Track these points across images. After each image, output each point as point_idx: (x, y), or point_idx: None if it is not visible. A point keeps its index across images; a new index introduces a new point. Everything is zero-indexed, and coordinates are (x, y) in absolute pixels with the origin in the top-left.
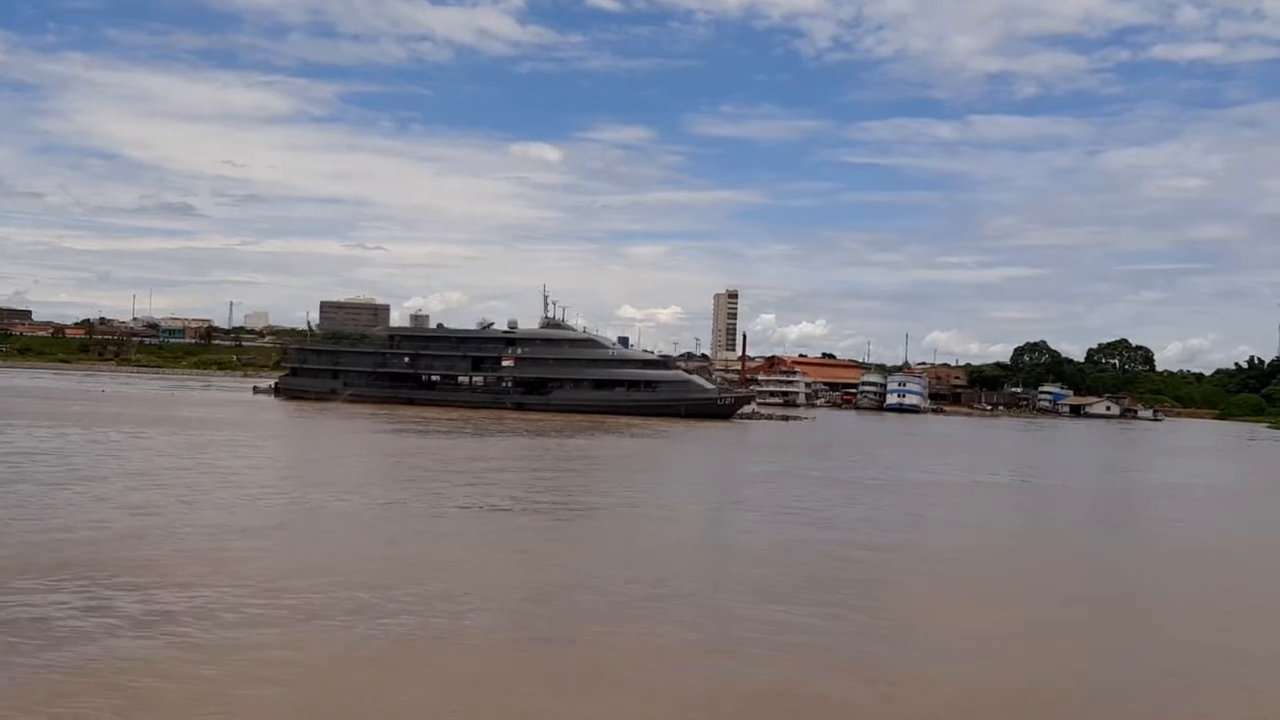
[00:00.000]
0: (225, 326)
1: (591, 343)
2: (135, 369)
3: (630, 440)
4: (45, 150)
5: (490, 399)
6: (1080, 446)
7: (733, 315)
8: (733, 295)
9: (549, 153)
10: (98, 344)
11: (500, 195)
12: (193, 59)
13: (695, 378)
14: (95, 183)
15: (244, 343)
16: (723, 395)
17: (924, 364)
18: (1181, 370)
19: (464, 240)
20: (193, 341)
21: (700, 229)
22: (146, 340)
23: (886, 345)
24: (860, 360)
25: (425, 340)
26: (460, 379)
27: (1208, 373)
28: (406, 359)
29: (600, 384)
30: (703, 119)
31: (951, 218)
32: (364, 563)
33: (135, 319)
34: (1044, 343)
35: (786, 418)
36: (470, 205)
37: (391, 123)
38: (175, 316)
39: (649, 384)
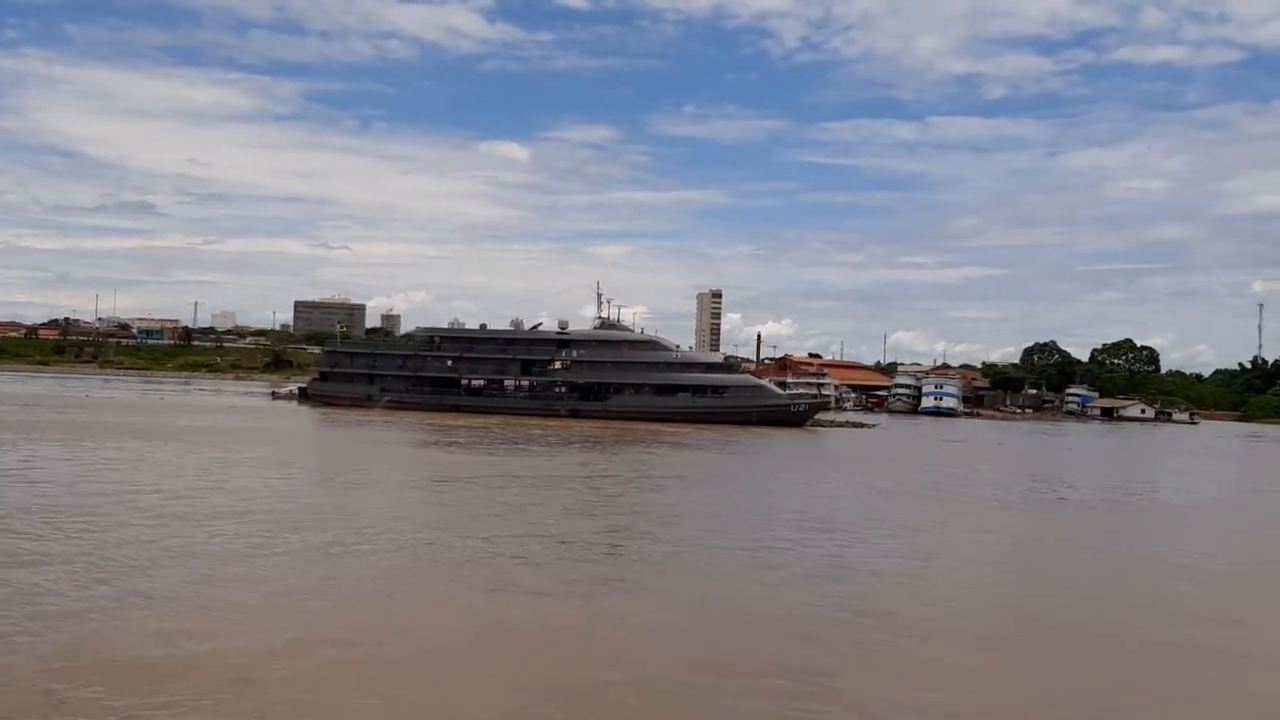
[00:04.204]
0: (191, 327)
1: (653, 344)
2: (118, 371)
3: (720, 455)
4: (2, 148)
5: (542, 405)
6: (1187, 456)
7: (716, 315)
8: (716, 295)
9: (517, 152)
10: (74, 345)
11: (465, 194)
12: (155, 55)
13: (765, 382)
14: (54, 181)
15: (224, 343)
16: (796, 402)
17: (945, 366)
18: (1174, 371)
19: (428, 239)
20: (171, 343)
21: (665, 229)
22: (123, 341)
23: (851, 345)
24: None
25: (469, 342)
26: (508, 384)
27: (1191, 371)
28: (449, 362)
29: (663, 389)
30: (667, 119)
31: (913, 218)
32: None
33: (101, 319)
34: (1054, 343)
35: (853, 424)
36: (435, 204)
37: (355, 121)
38: (141, 317)
39: (716, 389)
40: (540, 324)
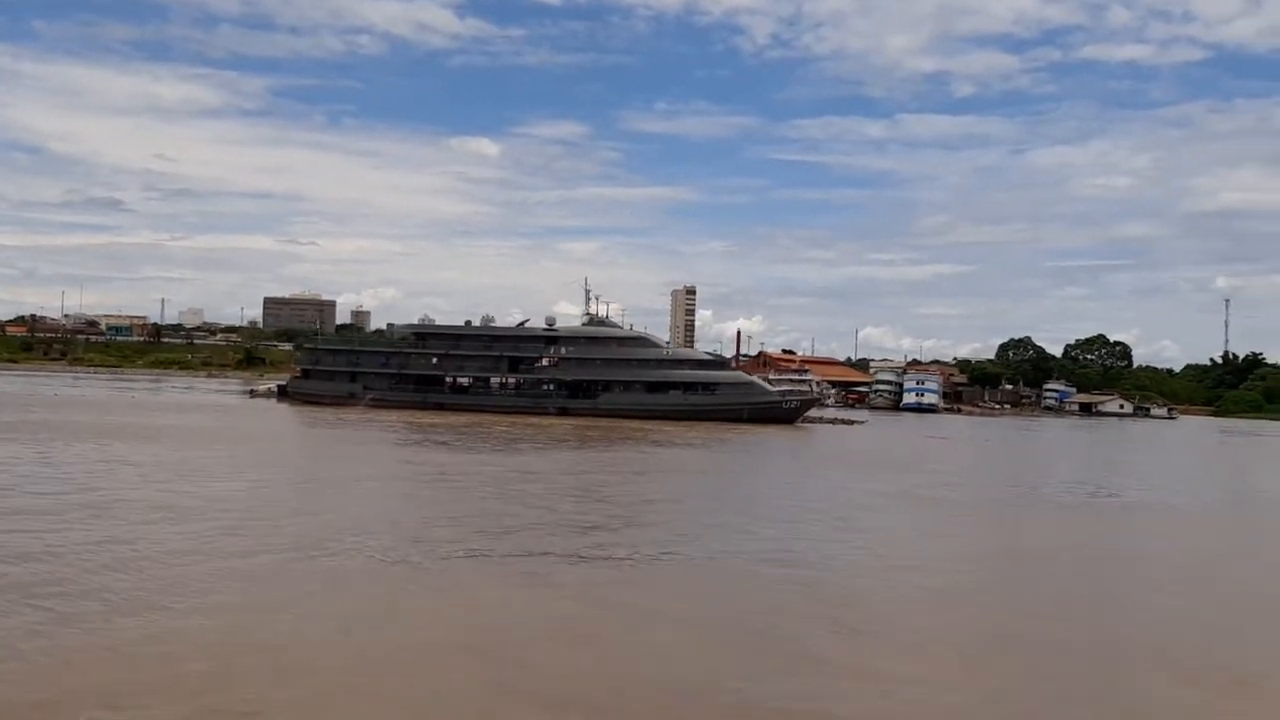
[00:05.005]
0: (160, 323)
1: (643, 341)
2: (89, 369)
3: (711, 453)
4: None
5: (530, 403)
6: (1187, 451)
7: (690, 312)
8: (690, 292)
9: (487, 147)
10: (42, 342)
11: (435, 190)
12: (123, 51)
13: (756, 379)
14: (19, 177)
15: (195, 340)
16: (788, 398)
17: (916, 361)
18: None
19: (398, 235)
20: (141, 340)
21: (635, 225)
22: (92, 338)
23: (821, 341)
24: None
25: (455, 339)
26: (494, 381)
27: (1158, 366)
28: (434, 359)
29: (654, 386)
30: (638, 115)
31: (882, 215)
32: None
33: (68, 316)
34: (1028, 339)
35: (844, 420)
36: (404, 200)
37: (324, 117)
38: (107, 314)
39: (707, 386)
40: (527, 321)
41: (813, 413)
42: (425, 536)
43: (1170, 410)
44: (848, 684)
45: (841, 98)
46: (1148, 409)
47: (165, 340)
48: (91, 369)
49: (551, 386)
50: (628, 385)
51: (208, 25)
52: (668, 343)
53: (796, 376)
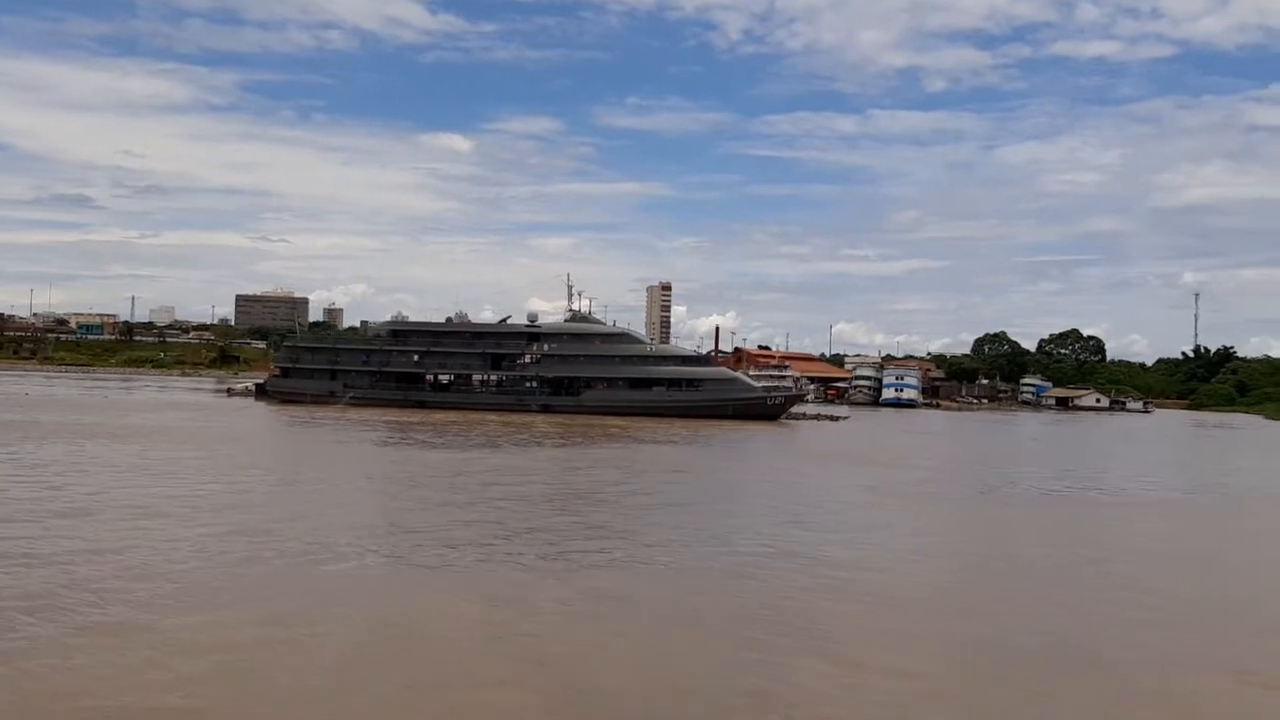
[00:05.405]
0: (130, 321)
1: (626, 337)
2: (60, 368)
3: (704, 450)
4: None
5: (513, 401)
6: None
7: (666, 308)
8: (666, 288)
9: (459, 143)
10: (12, 341)
11: (406, 186)
12: (90, 46)
13: (741, 375)
14: None
15: (167, 338)
16: (772, 394)
17: (889, 357)
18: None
19: (369, 232)
20: (113, 338)
21: (608, 221)
22: (63, 337)
23: (794, 337)
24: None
25: (436, 336)
26: (476, 379)
27: (1127, 360)
28: (415, 357)
29: (637, 383)
30: (611, 111)
31: (854, 211)
32: None
33: (36, 315)
34: (1003, 333)
35: (828, 416)
36: (376, 196)
37: (294, 112)
38: (76, 312)
39: (691, 382)
40: (509, 318)
41: (794, 408)
42: (416, 544)
43: (1146, 404)
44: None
45: (814, 93)
46: (1124, 403)
47: (137, 339)
48: (63, 368)
49: (534, 384)
50: (611, 382)
51: (175, 20)
52: (650, 339)
53: (777, 372)
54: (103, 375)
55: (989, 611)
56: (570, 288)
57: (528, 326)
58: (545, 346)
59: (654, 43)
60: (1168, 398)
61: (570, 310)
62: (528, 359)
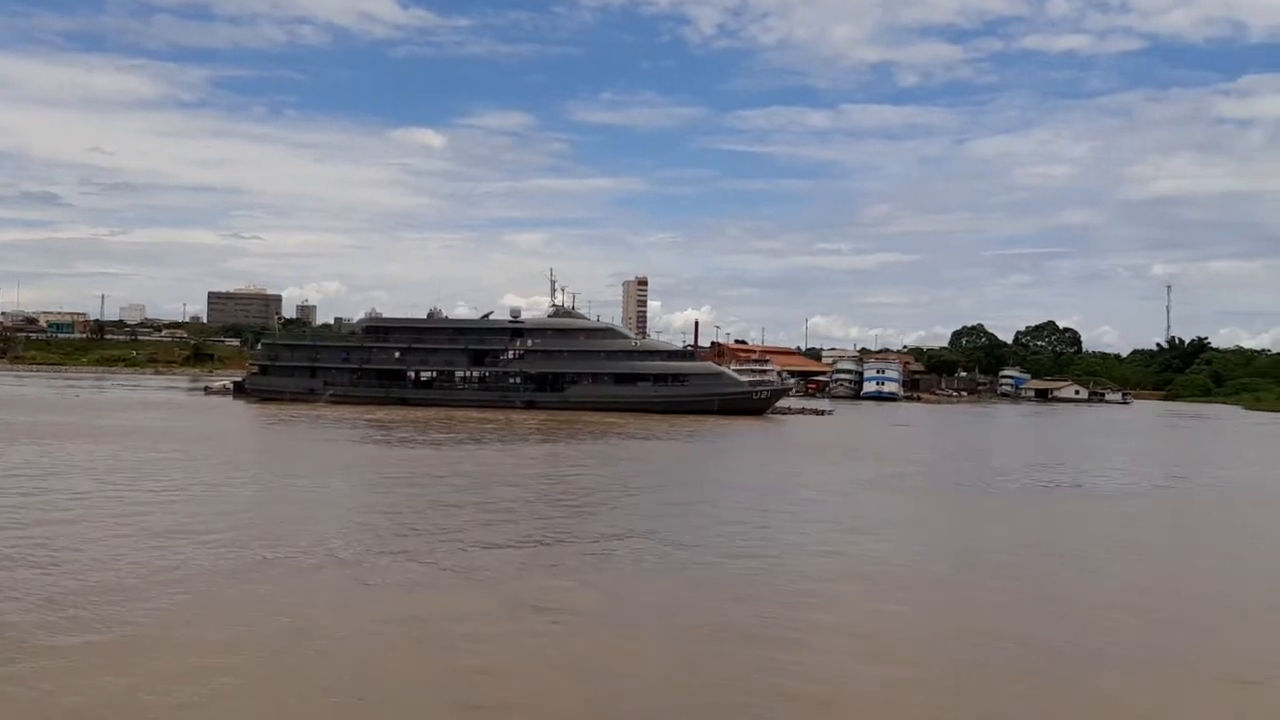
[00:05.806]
0: (101, 320)
1: (610, 332)
2: (31, 367)
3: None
4: None
5: (496, 397)
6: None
7: (642, 303)
8: (642, 283)
9: (432, 138)
10: None
11: (379, 182)
12: (57, 41)
13: (727, 370)
14: None
15: (139, 337)
16: (758, 389)
17: (865, 350)
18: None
19: (342, 229)
20: (84, 337)
21: (583, 216)
22: (33, 336)
23: (769, 331)
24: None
25: (417, 332)
26: (458, 375)
27: (1100, 351)
28: (397, 353)
29: (622, 378)
30: (584, 106)
31: (828, 205)
32: None
33: (4, 314)
34: (980, 326)
35: (813, 410)
36: (348, 193)
37: (265, 108)
38: (44, 310)
39: (677, 377)
40: (491, 313)
41: (779, 403)
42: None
43: (1124, 395)
44: None
45: (787, 88)
46: (1102, 394)
47: (109, 337)
48: (34, 367)
49: (518, 380)
50: (596, 377)
51: (144, 15)
52: (635, 335)
53: (758, 367)
54: (75, 374)
55: (997, 603)
56: (554, 283)
57: (511, 322)
58: (529, 342)
59: (627, 38)
60: (1143, 388)
61: (554, 305)
62: (511, 355)
